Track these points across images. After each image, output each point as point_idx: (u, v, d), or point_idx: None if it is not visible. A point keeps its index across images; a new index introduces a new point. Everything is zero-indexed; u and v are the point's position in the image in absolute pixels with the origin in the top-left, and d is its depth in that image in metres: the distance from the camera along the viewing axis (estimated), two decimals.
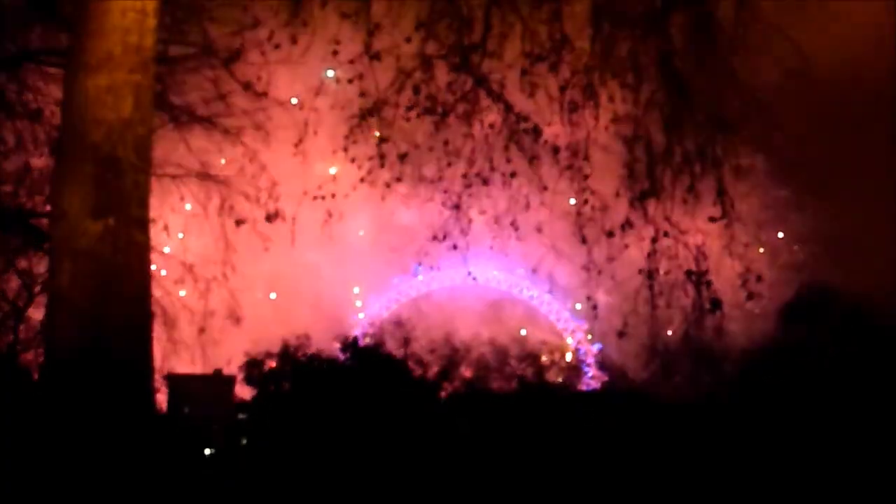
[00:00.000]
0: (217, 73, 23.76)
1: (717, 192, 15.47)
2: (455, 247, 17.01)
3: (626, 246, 16.30)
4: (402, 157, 16.68)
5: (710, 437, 45.21)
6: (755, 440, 43.88)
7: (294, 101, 16.91)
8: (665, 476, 43.42)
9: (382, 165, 16.51)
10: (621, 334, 16.73)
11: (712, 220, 15.65)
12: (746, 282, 15.64)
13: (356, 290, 72.96)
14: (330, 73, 16.98)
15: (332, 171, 17.03)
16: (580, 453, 45.69)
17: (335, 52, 15.91)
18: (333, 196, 16.70)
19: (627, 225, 15.92)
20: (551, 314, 70.16)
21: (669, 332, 17.55)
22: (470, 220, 16.93)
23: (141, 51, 12.45)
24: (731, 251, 15.67)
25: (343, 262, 71.88)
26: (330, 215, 16.99)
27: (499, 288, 70.63)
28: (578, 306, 66.86)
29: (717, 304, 15.79)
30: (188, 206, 25.37)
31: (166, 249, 26.05)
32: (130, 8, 12.34)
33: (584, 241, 16.12)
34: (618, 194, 16.21)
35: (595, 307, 16.66)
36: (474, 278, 51.39)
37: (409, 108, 16.39)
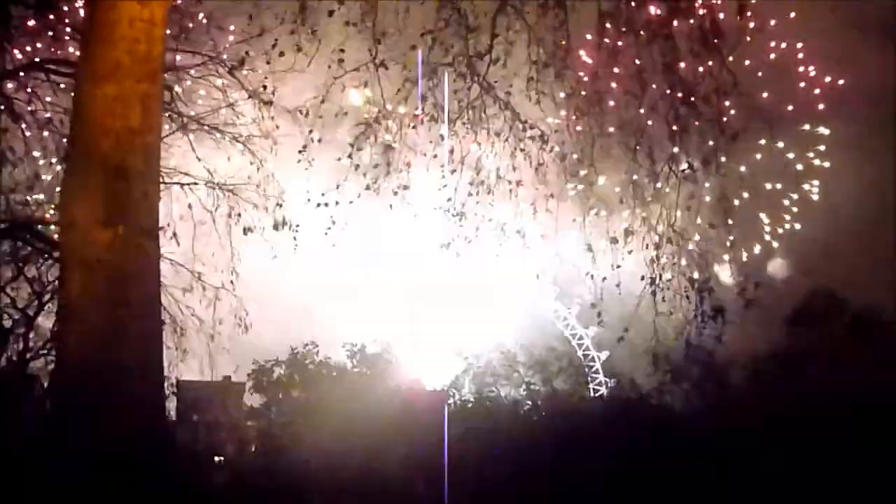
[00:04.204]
0: (225, 82, 23.92)
1: (720, 198, 15.51)
2: (458, 255, 17.04)
3: (630, 252, 16.32)
4: (408, 165, 16.74)
5: (717, 443, 45.15)
6: (763, 447, 43.83)
7: (300, 109, 16.95)
8: (674, 484, 43.40)
9: (388, 173, 16.54)
10: (620, 339, 16.77)
11: (712, 226, 15.70)
12: (744, 289, 15.68)
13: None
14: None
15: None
16: (589, 460, 45.65)
17: (341, 61, 15.96)
18: (337, 203, 16.70)
19: (630, 232, 15.95)
20: (558, 321, 70.13)
21: (673, 339, 17.55)
22: (477, 228, 16.97)
23: (149, 60, 12.51)
24: (733, 257, 15.71)
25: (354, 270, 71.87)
26: (334, 222, 17.00)
27: (506, 295, 70.61)
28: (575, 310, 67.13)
29: (719, 311, 15.82)
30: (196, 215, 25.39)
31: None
32: (139, 17, 12.40)
33: (589, 248, 16.15)
34: (621, 201, 16.25)
35: (600, 314, 16.66)
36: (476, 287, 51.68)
37: (415, 116, 16.45)
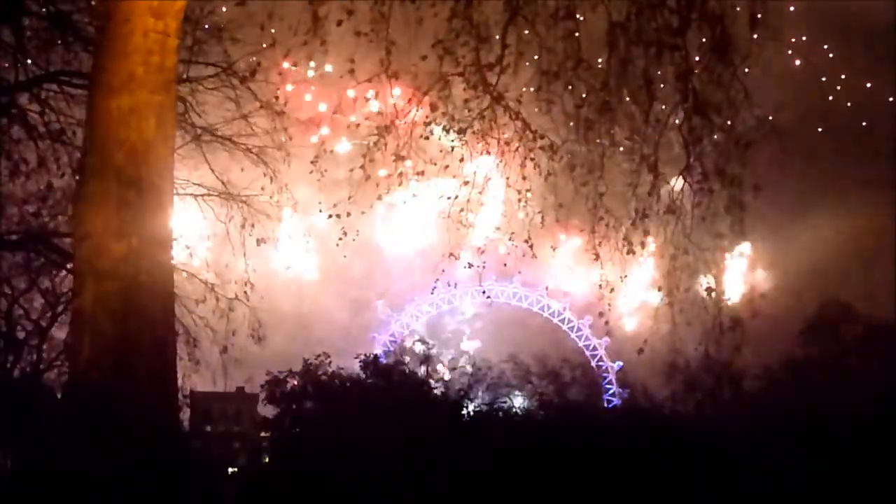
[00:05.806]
0: (238, 93, 23.96)
1: (734, 209, 15.49)
2: (469, 265, 17.00)
3: (651, 264, 16.30)
4: (420, 176, 16.74)
5: (732, 453, 45.06)
6: (776, 455, 43.74)
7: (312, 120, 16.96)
8: (686, 494, 43.30)
9: (400, 184, 16.51)
10: (640, 351, 16.71)
11: (719, 236, 15.69)
12: (751, 300, 15.66)
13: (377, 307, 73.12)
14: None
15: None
16: (603, 471, 45.54)
17: (351, 71, 15.96)
18: (349, 214, 16.67)
19: (642, 245, 15.91)
20: (572, 332, 70.11)
21: (690, 349, 17.49)
22: (487, 238, 16.95)
23: (163, 71, 12.55)
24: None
25: (363, 279, 71.98)
26: (345, 233, 16.99)
27: (519, 305, 70.61)
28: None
29: (736, 321, 15.78)
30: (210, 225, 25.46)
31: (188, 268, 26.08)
32: (152, 29, 12.44)
33: (597, 258, 16.11)
34: (636, 211, 16.20)
35: (607, 323, 16.64)
36: (488, 296, 51.27)
37: (426, 126, 16.44)
